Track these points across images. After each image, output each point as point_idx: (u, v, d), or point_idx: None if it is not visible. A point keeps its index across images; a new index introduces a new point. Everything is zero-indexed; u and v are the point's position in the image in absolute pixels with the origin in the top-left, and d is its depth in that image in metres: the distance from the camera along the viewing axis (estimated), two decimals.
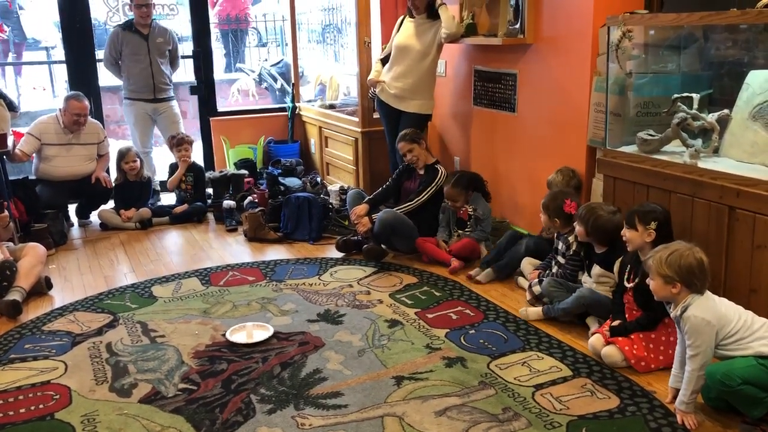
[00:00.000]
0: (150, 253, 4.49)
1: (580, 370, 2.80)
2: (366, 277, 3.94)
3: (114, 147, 5.57)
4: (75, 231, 5.05)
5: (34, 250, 3.88)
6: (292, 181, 5.46)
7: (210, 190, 5.51)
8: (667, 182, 3.15)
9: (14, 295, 3.55)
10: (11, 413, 2.60)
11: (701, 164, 3.06)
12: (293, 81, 6.53)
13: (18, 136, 4.95)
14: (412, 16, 4.58)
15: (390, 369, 2.85)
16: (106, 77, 5.85)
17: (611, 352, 2.81)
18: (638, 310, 2.84)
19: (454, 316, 3.37)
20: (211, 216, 5.28)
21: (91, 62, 5.76)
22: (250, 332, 3.18)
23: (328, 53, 7.01)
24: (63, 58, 5.87)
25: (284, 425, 2.47)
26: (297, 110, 6.42)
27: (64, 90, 6.55)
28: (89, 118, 5.03)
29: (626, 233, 2.90)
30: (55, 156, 4.91)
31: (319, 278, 3.93)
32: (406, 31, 4.58)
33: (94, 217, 5.18)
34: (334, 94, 6.45)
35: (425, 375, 2.79)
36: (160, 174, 5.78)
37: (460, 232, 4.16)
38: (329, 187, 5.38)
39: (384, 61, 4.78)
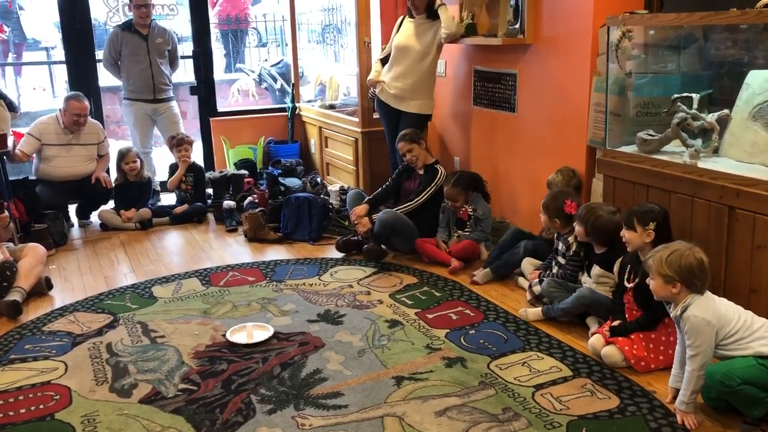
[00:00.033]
0: (150, 254, 4.49)
1: (580, 370, 2.80)
2: (366, 277, 3.94)
3: (114, 147, 5.56)
4: (75, 231, 5.05)
5: (34, 250, 3.88)
6: (292, 182, 5.46)
7: (210, 191, 5.51)
8: (667, 182, 3.15)
9: (14, 296, 3.56)
10: (11, 413, 2.60)
11: (701, 164, 3.06)
12: (293, 81, 6.53)
13: (18, 136, 4.95)
14: (411, 17, 4.58)
15: (390, 369, 2.85)
16: (105, 77, 5.84)
17: (611, 352, 2.81)
18: (638, 310, 2.84)
19: (454, 317, 3.37)
20: (211, 216, 5.28)
21: (91, 62, 5.76)
22: (250, 332, 3.18)
23: (328, 53, 7.01)
24: (63, 59, 5.87)
25: (284, 425, 2.47)
26: (297, 110, 6.42)
27: (64, 90, 6.55)
28: (89, 118, 5.03)
29: (625, 234, 2.90)
30: (55, 156, 4.91)
31: (319, 278, 3.93)
32: (406, 32, 4.58)
33: (94, 217, 5.18)
34: (334, 94, 6.45)
35: (425, 375, 2.79)
36: (160, 174, 5.77)
37: (459, 232, 4.16)
38: (329, 188, 5.37)
39: (384, 61, 4.78)
